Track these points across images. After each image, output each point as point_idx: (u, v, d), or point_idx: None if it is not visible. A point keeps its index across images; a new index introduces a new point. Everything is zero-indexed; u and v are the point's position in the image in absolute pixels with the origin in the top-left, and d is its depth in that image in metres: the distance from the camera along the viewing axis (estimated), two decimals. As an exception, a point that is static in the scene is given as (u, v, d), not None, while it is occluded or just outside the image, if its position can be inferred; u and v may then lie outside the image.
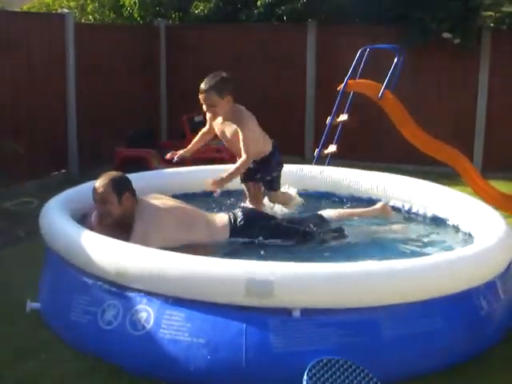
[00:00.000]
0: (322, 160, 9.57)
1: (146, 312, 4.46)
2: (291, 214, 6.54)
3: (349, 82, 9.24)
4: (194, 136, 10.75)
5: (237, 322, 4.26)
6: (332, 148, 9.54)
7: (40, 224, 5.60)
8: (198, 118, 11.07)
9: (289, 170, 7.43)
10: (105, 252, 4.78)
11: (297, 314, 4.26)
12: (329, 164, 9.43)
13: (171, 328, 4.35)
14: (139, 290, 4.56)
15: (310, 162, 9.30)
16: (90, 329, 4.69)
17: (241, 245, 5.54)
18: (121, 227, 5.35)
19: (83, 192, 6.37)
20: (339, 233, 5.79)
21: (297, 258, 4.88)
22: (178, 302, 4.41)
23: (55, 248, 5.34)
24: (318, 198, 7.23)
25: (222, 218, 5.68)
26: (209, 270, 4.38)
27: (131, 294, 4.58)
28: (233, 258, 4.79)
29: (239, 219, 5.63)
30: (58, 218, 5.44)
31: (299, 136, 12.64)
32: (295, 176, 7.40)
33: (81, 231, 5.11)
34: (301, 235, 5.65)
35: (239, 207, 6.09)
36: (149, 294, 4.51)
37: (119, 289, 4.66)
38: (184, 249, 4.97)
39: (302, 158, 12.19)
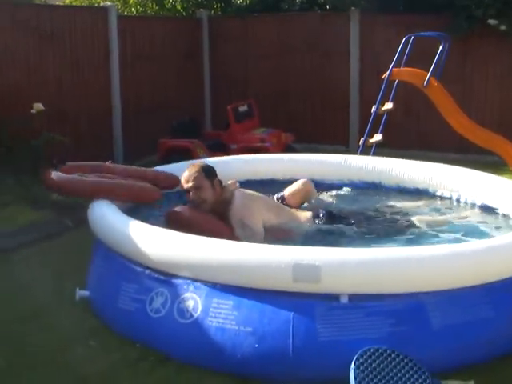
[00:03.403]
0: (367, 150, 9.54)
1: (194, 300, 4.50)
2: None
3: (393, 70, 9.18)
4: (239, 126, 10.90)
5: (284, 311, 4.27)
6: (377, 137, 9.49)
7: (88, 216, 5.67)
8: (242, 108, 11.11)
9: (333, 160, 7.44)
10: (152, 241, 4.82)
11: (345, 299, 4.26)
12: (374, 154, 9.38)
13: (219, 316, 4.38)
14: (187, 278, 4.61)
15: (354, 152, 9.29)
16: (137, 317, 4.74)
17: (322, 234, 5.65)
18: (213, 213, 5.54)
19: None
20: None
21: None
22: (226, 289, 4.44)
23: (103, 239, 5.41)
24: (363, 189, 7.19)
25: (305, 212, 5.92)
26: (256, 256, 4.40)
27: (179, 282, 4.62)
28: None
29: (321, 214, 5.80)
30: (106, 211, 5.50)
31: (344, 125, 12.59)
32: (340, 167, 7.36)
33: (129, 222, 5.16)
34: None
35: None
36: (196, 281, 4.56)
37: (167, 277, 4.71)
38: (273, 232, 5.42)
39: (346, 147, 12.16)
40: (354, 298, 4.28)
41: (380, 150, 9.64)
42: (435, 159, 7.58)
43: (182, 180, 5.61)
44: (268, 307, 4.32)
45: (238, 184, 5.83)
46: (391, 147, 10.38)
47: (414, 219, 6.00)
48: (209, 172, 5.60)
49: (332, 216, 5.81)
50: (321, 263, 4.21)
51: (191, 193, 5.53)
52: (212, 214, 5.54)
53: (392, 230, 5.78)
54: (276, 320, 4.28)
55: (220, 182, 5.66)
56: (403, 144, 11.48)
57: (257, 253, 4.43)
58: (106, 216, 5.44)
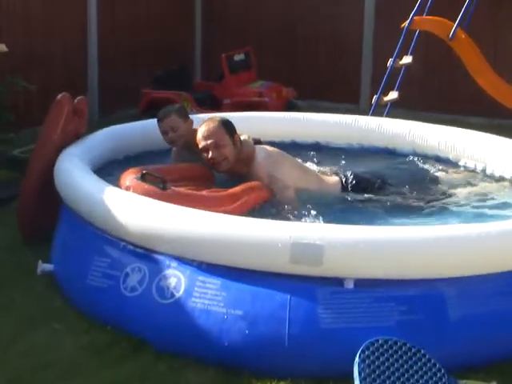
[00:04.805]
0: (380, 109, 9.50)
1: (176, 278, 4.46)
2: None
3: (415, 18, 9.12)
4: (234, 78, 10.83)
5: (280, 293, 4.24)
6: (393, 95, 9.46)
7: (55, 177, 5.62)
8: (238, 57, 11.01)
9: (342, 121, 7.39)
10: (130, 209, 4.78)
11: (350, 285, 4.23)
12: (388, 114, 9.33)
13: (204, 297, 4.35)
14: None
15: (366, 112, 9.24)
16: (110, 295, 4.72)
17: (352, 202, 5.76)
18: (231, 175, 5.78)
19: (104, 139, 6.43)
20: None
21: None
22: (213, 266, 4.41)
23: (72, 205, 5.36)
24: (375, 154, 7.17)
25: (332, 177, 6.10)
26: (249, 232, 4.36)
27: (159, 257, 4.59)
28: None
29: (350, 179, 5.95)
30: (75, 171, 5.47)
31: (354, 81, 12.51)
32: (349, 128, 7.35)
33: (102, 186, 5.12)
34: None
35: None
36: (180, 257, 4.53)
37: (146, 250, 4.67)
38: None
39: (356, 106, 12.10)
40: (361, 282, 4.25)
41: (395, 110, 9.60)
42: (457, 123, 7.55)
43: (199, 136, 5.65)
44: (262, 288, 4.29)
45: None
46: (408, 107, 10.33)
47: (452, 191, 6.08)
48: (229, 127, 5.68)
49: (362, 182, 5.95)
50: (323, 242, 4.16)
51: (210, 151, 5.57)
52: (231, 174, 5.74)
53: (430, 204, 5.81)
54: (270, 303, 4.25)
55: (239, 138, 5.73)
56: (422, 104, 11.42)
57: (250, 228, 4.39)
58: (75, 177, 5.39)
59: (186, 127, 6.10)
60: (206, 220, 4.53)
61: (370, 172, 6.36)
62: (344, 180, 5.95)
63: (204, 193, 5.26)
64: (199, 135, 5.64)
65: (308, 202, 5.50)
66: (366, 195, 5.80)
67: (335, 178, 6.02)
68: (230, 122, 5.72)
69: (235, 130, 5.68)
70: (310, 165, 6.36)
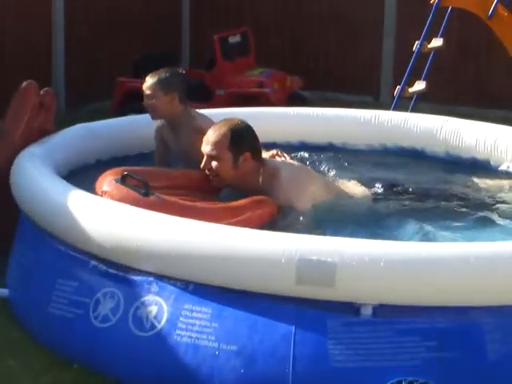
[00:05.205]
0: (404, 103, 9.50)
1: (157, 305, 4.47)
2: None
3: (447, -8, 9.15)
4: (228, 64, 10.83)
5: (282, 323, 4.25)
6: (420, 86, 9.46)
7: (11, 181, 5.63)
8: (233, 39, 11.03)
9: (360, 117, 7.40)
10: (101, 220, 4.77)
11: (367, 312, 4.22)
12: (414, 108, 9.34)
13: (191, 329, 4.35)
14: (148, 274, 4.58)
15: (387, 106, 9.24)
16: (77, 327, 4.72)
17: (382, 216, 5.78)
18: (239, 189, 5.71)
19: (71, 138, 6.43)
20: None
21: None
22: (202, 291, 4.41)
23: (31, 215, 5.36)
24: (400, 155, 7.18)
25: (359, 188, 6.09)
26: (246, 245, 4.36)
27: (137, 279, 4.60)
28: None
29: (380, 188, 6.07)
30: (36, 173, 5.47)
31: (373, 68, 12.56)
32: (369, 125, 7.37)
33: (69, 191, 5.11)
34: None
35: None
36: (162, 279, 4.53)
37: (121, 271, 4.67)
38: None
39: (375, 99, 12.13)
40: (381, 310, 4.24)
41: (422, 103, 9.63)
42: (499, 119, 7.54)
43: (204, 139, 5.60)
44: (260, 318, 4.30)
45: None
46: (438, 100, 10.34)
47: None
48: (237, 141, 5.53)
49: (392, 191, 6.04)
50: (336, 259, 4.15)
51: (205, 159, 5.53)
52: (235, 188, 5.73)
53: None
54: (271, 336, 4.26)
55: (255, 154, 5.62)
56: (455, 96, 11.44)
57: (247, 241, 4.40)
58: (36, 181, 5.39)
59: (164, 101, 6.30)
60: (192, 231, 4.53)
61: (396, 178, 6.41)
62: (372, 190, 5.99)
63: (197, 204, 5.24)
64: (204, 138, 5.60)
65: (333, 218, 5.58)
66: (396, 206, 5.81)
67: (363, 191, 6.01)
68: (244, 135, 5.60)
69: (247, 146, 5.56)
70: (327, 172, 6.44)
